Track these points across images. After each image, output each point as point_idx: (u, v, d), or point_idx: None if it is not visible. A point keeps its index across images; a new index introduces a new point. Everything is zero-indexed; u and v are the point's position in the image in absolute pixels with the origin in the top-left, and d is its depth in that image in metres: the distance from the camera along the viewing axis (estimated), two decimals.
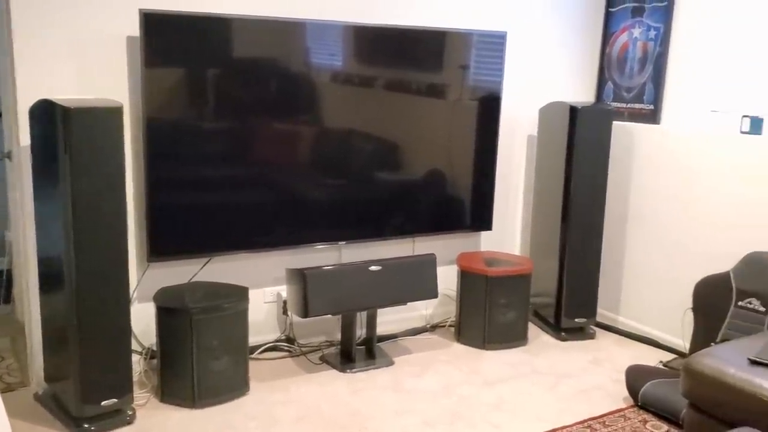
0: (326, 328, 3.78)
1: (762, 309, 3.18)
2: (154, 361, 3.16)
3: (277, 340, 3.68)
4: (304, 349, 3.68)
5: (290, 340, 3.70)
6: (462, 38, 3.77)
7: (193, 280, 3.35)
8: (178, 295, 3.10)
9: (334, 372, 3.47)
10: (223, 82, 3.23)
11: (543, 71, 4.28)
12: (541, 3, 4.19)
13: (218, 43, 3.17)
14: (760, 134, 3.46)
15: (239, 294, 3.14)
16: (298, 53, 3.37)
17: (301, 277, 3.32)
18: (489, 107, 3.94)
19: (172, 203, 3.18)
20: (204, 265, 3.38)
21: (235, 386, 3.14)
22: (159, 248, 3.19)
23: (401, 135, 3.72)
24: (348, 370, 3.47)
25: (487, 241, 4.27)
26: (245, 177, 3.34)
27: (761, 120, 3.46)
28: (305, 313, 3.32)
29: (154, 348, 3.14)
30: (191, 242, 3.26)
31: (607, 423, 3.04)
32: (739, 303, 3.28)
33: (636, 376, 3.26)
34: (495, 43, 3.89)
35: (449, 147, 3.87)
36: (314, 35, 3.38)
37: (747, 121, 3.49)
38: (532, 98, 4.25)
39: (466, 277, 3.81)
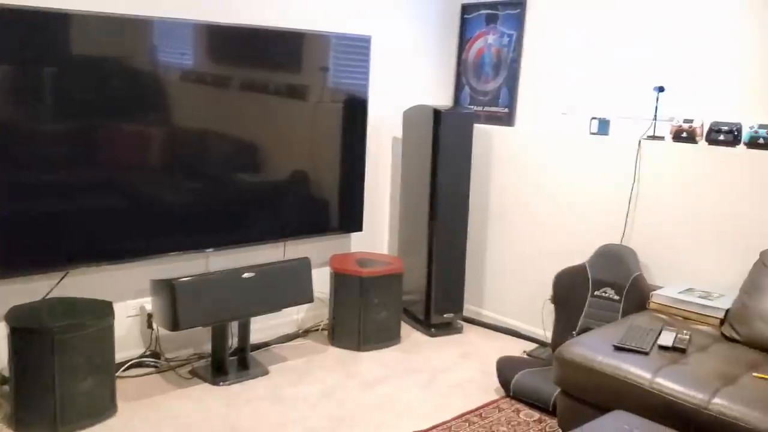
0: (195, 339, 3.62)
1: (616, 297, 3.44)
2: (6, 387, 2.86)
3: (142, 356, 3.46)
4: (172, 363, 3.49)
5: (156, 354, 3.49)
6: (321, 40, 3.74)
7: (48, 296, 3.07)
8: (34, 313, 2.82)
9: (206, 386, 3.32)
10: (64, 81, 2.94)
11: (405, 75, 4.36)
12: (403, 9, 4.27)
13: (59, 40, 2.90)
14: (607, 135, 3.74)
15: (103, 309, 2.92)
16: (146, 52, 3.15)
17: (168, 288, 3.14)
18: (355, 109, 3.95)
19: (19, 213, 2.88)
20: (61, 280, 3.11)
21: (101, 408, 2.91)
22: (7, 263, 2.88)
23: (262, 136, 3.62)
24: (221, 383, 3.34)
25: (356, 243, 4.28)
26: (95, 182, 3.08)
27: (608, 121, 3.74)
28: (175, 325, 3.15)
29: (5, 373, 2.84)
30: (43, 255, 2.98)
31: (483, 415, 3.15)
32: (596, 293, 3.52)
33: (507, 368, 3.40)
34: (360, 46, 3.90)
35: (315, 149, 3.83)
36: (163, 33, 3.19)
37: (595, 122, 3.75)
38: (396, 101, 4.32)
39: (339, 279, 3.80)
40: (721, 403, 2.33)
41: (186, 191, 3.40)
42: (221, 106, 3.45)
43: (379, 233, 4.43)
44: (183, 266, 3.49)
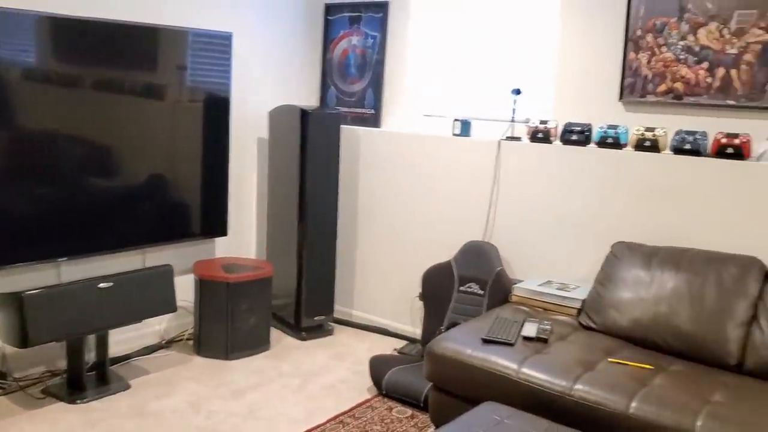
0: (47, 356, 3.35)
1: (480, 292, 3.55)
2: None
3: None
4: (21, 383, 3.21)
5: (3, 375, 3.19)
6: (178, 36, 3.58)
7: None
8: None
9: (62, 405, 3.08)
10: None
11: (270, 74, 4.28)
12: (266, 7, 4.19)
13: None
14: (469, 136, 3.85)
15: None
16: None
17: (16, 302, 2.89)
18: (217, 109, 3.82)
19: None
20: None
21: None
22: None
23: (116, 138, 3.41)
24: (79, 401, 3.11)
25: (222, 248, 4.14)
26: None
27: (470, 123, 3.86)
28: (24, 342, 2.90)
29: None
30: None
31: (356, 416, 3.14)
32: (461, 288, 3.62)
33: (378, 366, 3.41)
34: (219, 43, 3.77)
35: (174, 151, 3.67)
36: (1, 26, 2.93)
37: (458, 124, 3.86)
38: (261, 101, 4.23)
39: (205, 286, 3.65)
40: (582, 389, 2.45)
41: (35, 197, 3.14)
42: (70, 106, 3.21)
43: (245, 237, 4.32)
44: (32, 278, 3.23)
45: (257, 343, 3.79)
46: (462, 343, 2.80)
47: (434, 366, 2.83)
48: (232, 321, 3.65)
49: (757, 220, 2.96)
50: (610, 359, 2.68)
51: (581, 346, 2.81)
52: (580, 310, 3.16)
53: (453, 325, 3.47)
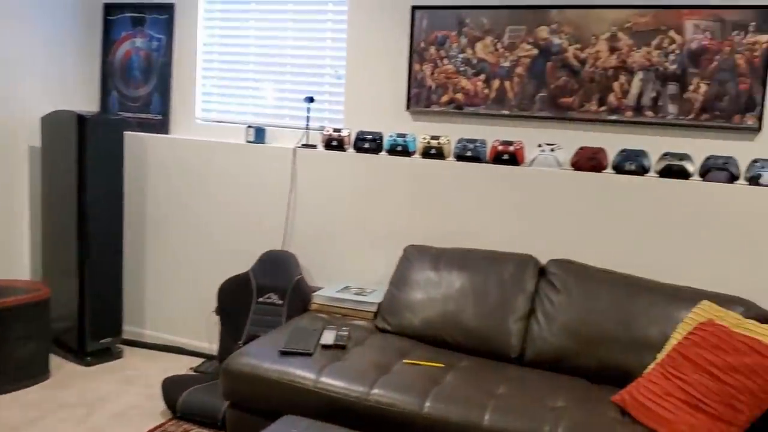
0: None
1: (280, 302, 3.49)
2: None
3: None
4: None
5: None
6: None
7: None
8: None
9: None
10: None
11: (42, 77, 3.89)
12: (35, 7, 3.80)
13: None
14: (264, 143, 3.78)
15: None
16: None
17: None
18: None
19: None
20: None
21: None
22: None
23: None
24: None
25: None
26: None
27: (264, 130, 3.79)
28: None
29: None
30: None
31: None
32: (260, 299, 3.54)
33: (172, 388, 3.23)
34: None
35: None
36: None
37: (252, 131, 3.77)
38: (32, 106, 3.84)
39: None
40: (378, 393, 2.48)
41: None
42: None
43: (16, 257, 3.89)
44: None
45: (34, 373, 3.42)
46: (259, 357, 2.72)
47: (231, 383, 2.73)
48: (3, 350, 3.26)
49: (531, 221, 3.20)
50: (405, 361, 2.75)
51: (377, 349, 2.85)
52: (376, 314, 3.22)
53: (252, 338, 3.38)
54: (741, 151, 2.96)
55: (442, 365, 2.73)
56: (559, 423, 2.29)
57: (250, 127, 3.79)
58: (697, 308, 2.64)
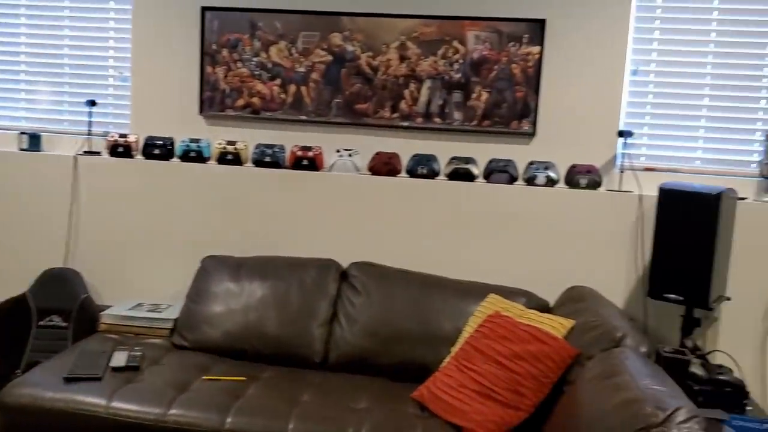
0: None
1: (64, 324, 3.20)
2: None
3: None
4: None
5: None
6: None
7: None
8: None
9: None
10: None
11: None
12: None
13: None
14: (39, 150, 3.45)
15: None
16: None
17: None
18: None
19: None
20: None
21: None
22: None
23: None
24: None
25: None
26: None
27: (40, 137, 3.46)
28: None
29: None
30: None
31: None
32: (41, 323, 3.21)
33: None
34: None
35: None
36: None
37: (25, 138, 3.42)
38: None
39: None
40: (177, 413, 2.35)
41: None
42: None
43: None
44: None
45: None
46: (41, 386, 2.46)
47: (9, 418, 2.44)
48: None
49: (332, 225, 3.22)
50: (204, 377, 2.63)
51: (175, 367, 2.70)
52: (173, 330, 3.05)
53: (32, 365, 3.05)
54: (519, 154, 3.20)
55: (244, 378, 2.65)
56: (362, 424, 2.31)
57: (23, 133, 3.43)
58: (486, 301, 2.81)
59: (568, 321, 2.53)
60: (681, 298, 2.69)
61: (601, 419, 1.80)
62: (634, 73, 3.12)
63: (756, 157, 3.05)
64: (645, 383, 1.85)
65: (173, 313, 3.11)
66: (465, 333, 2.73)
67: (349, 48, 3.29)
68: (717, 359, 2.93)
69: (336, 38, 3.30)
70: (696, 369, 2.28)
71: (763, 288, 2.94)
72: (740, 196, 2.95)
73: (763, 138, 3.03)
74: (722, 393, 2.25)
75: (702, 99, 3.08)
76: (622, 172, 3.11)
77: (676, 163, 3.13)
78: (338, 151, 3.26)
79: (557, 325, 2.51)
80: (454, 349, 2.70)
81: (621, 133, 3.06)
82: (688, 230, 2.68)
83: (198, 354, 2.88)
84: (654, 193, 3.01)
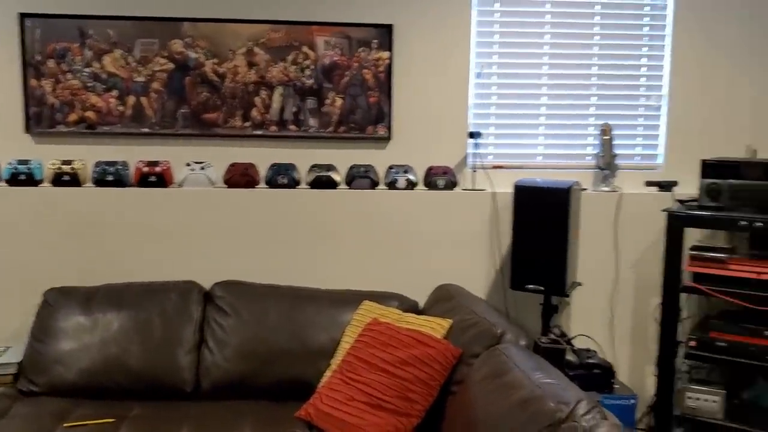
0: None
1: None
2: None
3: None
4: None
5: None
6: None
7: None
8: None
9: None
10: None
11: None
12: None
13: None
14: None
15: None
16: None
17: None
18: None
19: None
20: None
21: None
22: None
23: None
24: None
25: None
26: None
27: None
28: None
29: None
30: None
31: None
32: None
33: None
34: None
35: None
36: None
37: None
38: None
39: None
40: None
41: None
42: None
43: None
44: None
45: None
46: None
47: None
48: None
49: (188, 245, 3.04)
50: (65, 425, 2.37)
51: (26, 418, 2.41)
52: (17, 375, 2.72)
53: None
54: (377, 158, 3.21)
55: (113, 419, 2.42)
56: None
57: None
58: (360, 309, 2.79)
59: (446, 321, 2.58)
60: (541, 287, 2.85)
61: (501, 419, 1.85)
62: (479, 75, 3.25)
63: (591, 150, 3.30)
64: (537, 377, 1.93)
65: (15, 356, 2.78)
66: (344, 344, 2.69)
67: (192, 55, 3.12)
68: (579, 343, 3.14)
69: (177, 45, 3.11)
70: (570, 356, 2.43)
71: (606, 271, 3.19)
72: (582, 187, 3.18)
73: (596, 132, 3.28)
74: (593, 375, 2.42)
75: (540, 98, 3.28)
76: (474, 171, 3.23)
77: (521, 160, 3.31)
78: (189, 164, 3.08)
79: (436, 326, 2.56)
80: (335, 362, 2.66)
81: (471, 134, 3.17)
82: (543, 223, 2.84)
83: (53, 399, 2.59)
84: (505, 189, 3.16)
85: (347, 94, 3.17)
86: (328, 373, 2.65)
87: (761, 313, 2.63)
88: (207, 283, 2.98)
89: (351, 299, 2.87)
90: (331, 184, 3.08)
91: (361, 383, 2.41)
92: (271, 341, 2.73)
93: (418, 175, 3.19)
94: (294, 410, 2.51)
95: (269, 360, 2.71)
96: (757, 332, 2.61)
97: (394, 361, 2.40)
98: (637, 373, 3.22)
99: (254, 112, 3.16)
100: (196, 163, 3.08)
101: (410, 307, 2.88)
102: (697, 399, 2.72)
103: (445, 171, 3.14)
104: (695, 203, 2.89)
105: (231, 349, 2.73)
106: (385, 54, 3.16)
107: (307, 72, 3.16)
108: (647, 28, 3.26)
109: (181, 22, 3.09)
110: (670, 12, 3.23)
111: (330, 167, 3.10)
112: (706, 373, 2.95)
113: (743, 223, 2.62)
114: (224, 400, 2.67)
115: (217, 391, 2.70)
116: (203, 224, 3.04)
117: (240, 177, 3.05)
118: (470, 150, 3.24)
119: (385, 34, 3.15)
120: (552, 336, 2.53)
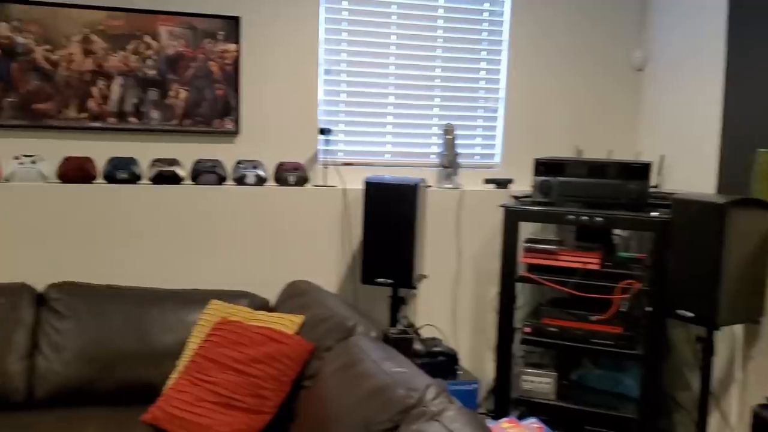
0: None
1: None
2: None
3: None
4: None
5: None
6: None
7: None
8: None
9: None
10: None
11: None
12: None
13: None
14: None
15: None
16: None
17: None
18: None
19: None
20: None
21: None
22: None
23: None
24: None
25: None
26: None
27: None
28: None
29: None
30: None
31: None
32: None
33: None
34: None
35: None
36: None
37: None
38: None
39: None
40: None
41: None
42: None
43: None
44: None
45: None
46: None
47: None
48: None
49: (17, 244, 2.82)
50: None
51: None
52: None
53: None
54: (224, 153, 3.14)
55: None
56: None
57: None
58: (208, 309, 2.73)
59: (298, 317, 2.59)
60: (390, 281, 2.94)
61: (354, 409, 1.89)
62: (327, 72, 3.27)
63: (435, 149, 3.44)
64: (387, 366, 1.99)
65: None
66: (191, 344, 2.62)
67: (21, 40, 2.89)
68: (426, 332, 3.26)
69: (3, 28, 2.87)
70: (417, 345, 2.52)
71: (449, 263, 3.34)
72: (428, 184, 3.30)
73: (440, 132, 3.42)
74: (438, 363, 2.53)
75: (387, 98, 3.36)
76: (325, 167, 3.26)
77: (370, 157, 3.38)
78: (17, 157, 2.86)
79: (288, 323, 2.56)
80: (182, 363, 2.58)
81: (322, 131, 3.19)
82: (392, 219, 2.93)
83: None
84: (355, 186, 3.21)
85: (192, 86, 3.08)
86: (175, 375, 2.57)
87: (586, 299, 2.87)
88: (40, 286, 2.77)
89: (198, 299, 2.79)
90: (175, 180, 2.98)
91: (210, 383, 2.35)
92: (113, 344, 2.60)
93: (268, 171, 3.16)
94: (139, 415, 2.40)
95: (112, 364, 2.57)
96: (584, 317, 2.84)
97: (244, 360, 2.37)
98: (477, 359, 3.40)
99: (91, 103, 2.98)
100: (26, 156, 2.86)
101: (260, 304, 2.86)
102: (532, 381, 2.92)
103: (296, 167, 3.14)
104: (529, 199, 3.10)
105: (69, 353, 2.56)
106: (232, 46, 3.10)
107: (149, 62, 3.03)
108: (486, 33, 3.44)
109: (8, 3, 2.85)
110: (506, 20, 3.44)
111: (174, 161, 3.00)
112: (539, 356, 3.18)
113: (570, 217, 2.85)
114: (63, 408, 2.50)
115: (55, 399, 2.52)
116: (34, 222, 2.84)
117: (75, 171, 2.87)
118: (321, 146, 3.27)
119: (232, 25, 3.09)
120: (400, 327, 2.62)
